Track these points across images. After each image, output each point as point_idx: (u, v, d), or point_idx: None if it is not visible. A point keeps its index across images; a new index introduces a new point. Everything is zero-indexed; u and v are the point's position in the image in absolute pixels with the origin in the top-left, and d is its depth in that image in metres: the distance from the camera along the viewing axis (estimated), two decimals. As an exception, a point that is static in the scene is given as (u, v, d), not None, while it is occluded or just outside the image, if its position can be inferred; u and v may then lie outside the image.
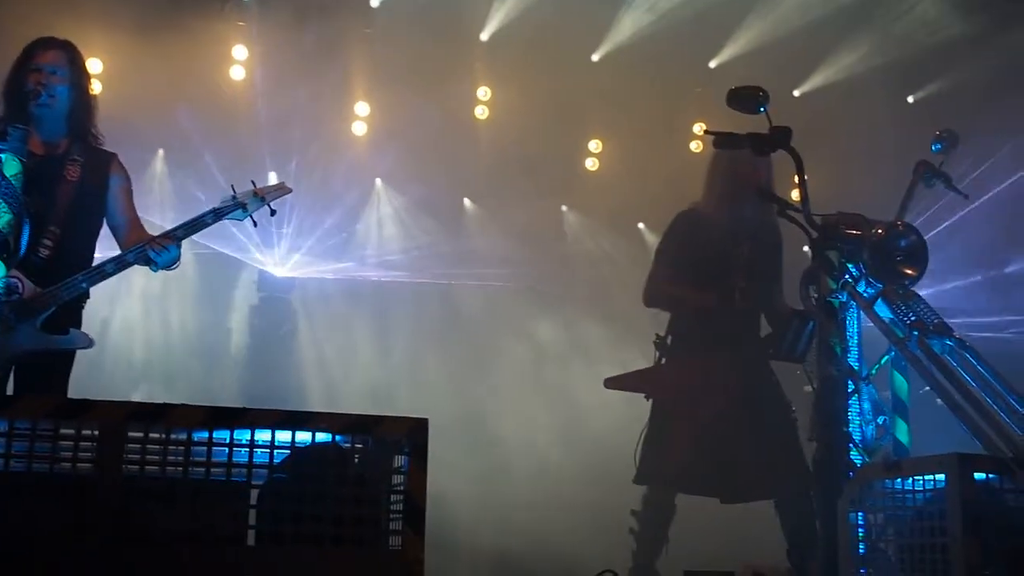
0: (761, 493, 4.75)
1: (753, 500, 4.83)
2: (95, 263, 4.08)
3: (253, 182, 4.16)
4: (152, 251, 3.97)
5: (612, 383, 5.03)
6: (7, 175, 3.06)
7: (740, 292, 4.81)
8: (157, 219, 7.21)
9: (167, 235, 4.03)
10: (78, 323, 4.10)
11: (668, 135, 8.55)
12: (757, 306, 4.90)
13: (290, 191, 4.30)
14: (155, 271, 4.09)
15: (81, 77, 4.19)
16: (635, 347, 5.76)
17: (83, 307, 4.15)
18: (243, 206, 4.08)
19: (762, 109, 3.93)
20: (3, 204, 3.06)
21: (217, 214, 4.09)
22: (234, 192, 4.11)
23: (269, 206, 4.16)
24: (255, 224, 4.19)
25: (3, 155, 3.06)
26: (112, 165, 4.25)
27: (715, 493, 4.85)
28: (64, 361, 4.06)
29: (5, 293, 3.66)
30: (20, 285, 3.83)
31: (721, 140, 4.08)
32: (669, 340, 4.95)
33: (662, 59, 8.21)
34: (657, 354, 4.96)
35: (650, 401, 4.95)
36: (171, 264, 4.07)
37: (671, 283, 4.93)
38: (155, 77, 7.35)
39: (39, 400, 2.82)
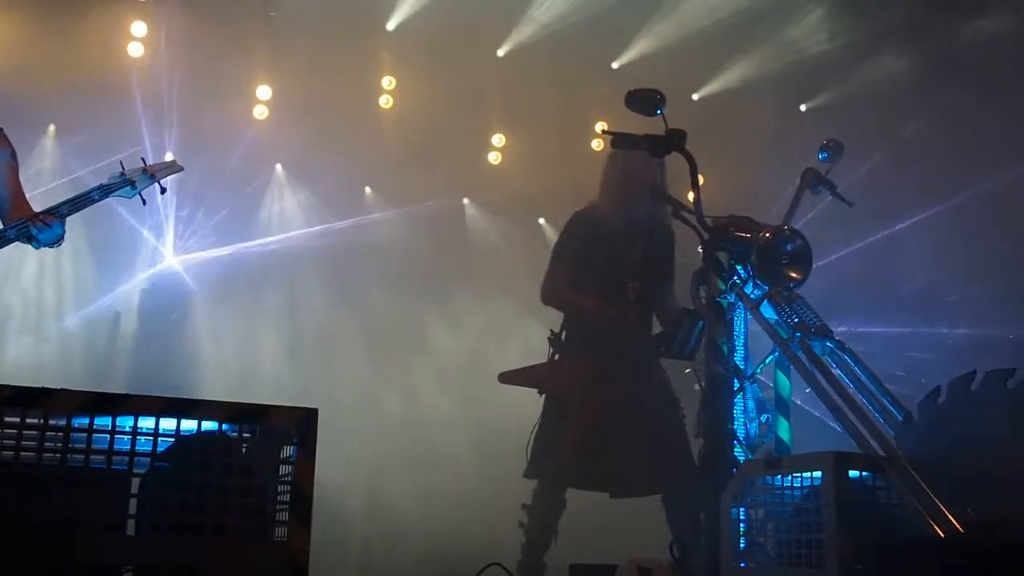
0: (649, 488, 4.85)
1: (642, 495, 4.93)
2: None
3: (143, 159, 4.08)
4: (35, 228, 3.85)
5: (506, 378, 5.07)
6: None
7: (633, 291, 4.90)
8: (45, 197, 6.96)
9: (50, 212, 3.91)
10: None
11: (570, 133, 8.62)
12: (649, 305, 5.00)
13: (181, 169, 4.21)
14: (36, 248, 3.97)
15: None
16: (530, 342, 5.81)
17: None
18: (132, 183, 4.01)
19: (659, 111, 4.02)
20: None
21: (104, 190, 3.99)
22: (123, 169, 4.01)
23: (159, 184, 4.08)
24: (144, 202, 4.11)
25: None
26: None
27: (604, 488, 4.93)
28: None
29: None
30: None
31: (618, 140, 4.16)
32: (563, 336, 5.02)
33: (567, 57, 8.28)
34: (551, 350, 5.02)
35: (543, 396, 5.01)
36: (54, 242, 3.95)
37: (567, 286, 4.98)
38: (49, 51, 7.10)
39: (-92, 382, 2.72)
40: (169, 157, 7.63)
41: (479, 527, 6.01)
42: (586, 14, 8.15)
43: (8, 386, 2.57)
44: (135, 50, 7.67)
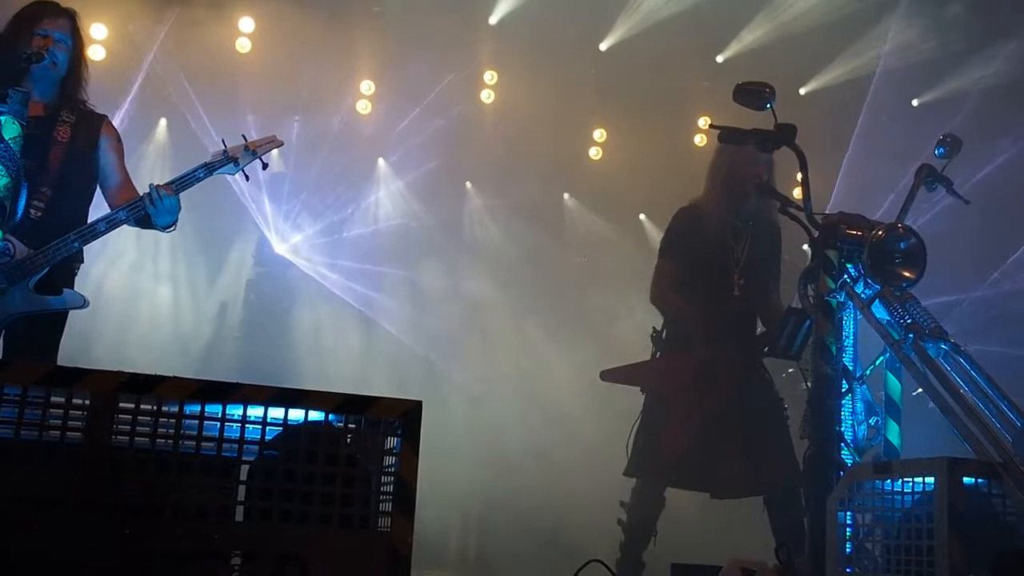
0: (751, 489, 4.77)
1: (743, 496, 4.86)
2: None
3: (244, 136, 4.11)
4: (148, 204, 3.93)
5: (608, 375, 5.03)
6: (6, 138, 3.03)
7: (738, 288, 4.81)
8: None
9: (165, 186, 3.96)
10: (71, 285, 4.09)
11: (672, 128, 8.54)
12: (753, 303, 4.90)
13: (281, 144, 4.23)
14: (151, 227, 4.04)
15: (80, 45, 4.21)
16: (632, 339, 5.76)
17: (77, 269, 4.13)
18: (235, 160, 4.05)
19: (768, 105, 3.93)
20: (1, 168, 3.04)
21: (208, 168, 4.05)
22: (225, 147, 4.06)
23: (261, 159, 4.11)
24: (247, 178, 4.15)
25: (3, 118, 3.04)
26: (103, 126, 4.24)
27: (705, 488, 4.86)
28: (55, 326, 4.05)
29: None
30: (11, 247, 3.80)
31: (725, 134, 4.08)
32: (665, 334, 4.96)
33: (670, 51, 8.18)
34: (653, 347, 4.97)
35: (644, 394, 4.96)
36: (168, 223, 4.04)
37: (671, 288, 4.91)
38: (161, 47, 7.33)
39: (31, 366, 2.81)
40: (275, 155, 7.80)
41: (576, 523, 6.00)
42: (690, 7, 8.03)
43: (123, 372, 2.63)
44: (243, 45, 7.86)
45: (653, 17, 8.22)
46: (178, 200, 3.98)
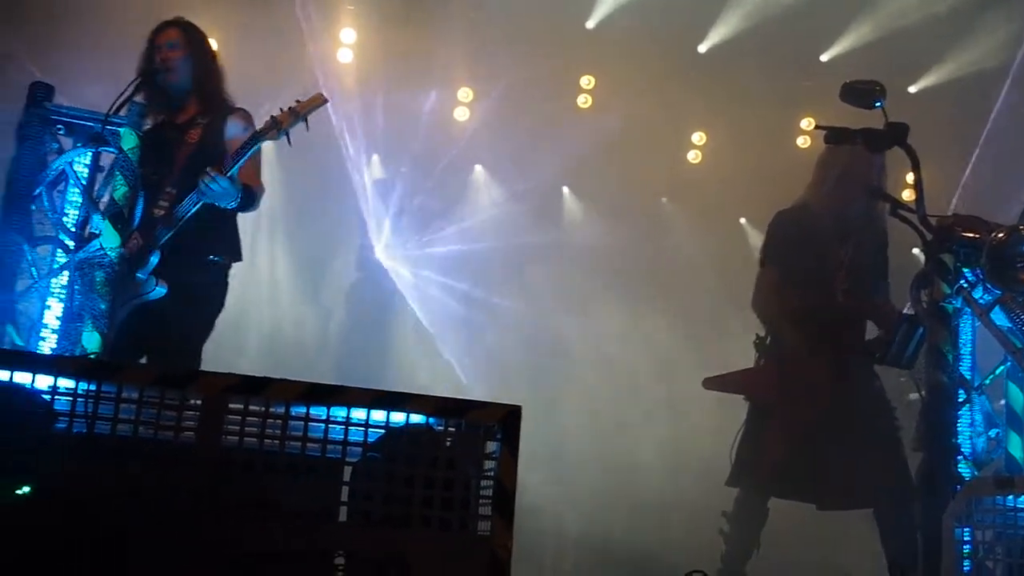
0: (860, 502, 4.60)
1: (851, 508, 4.69)
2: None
3: (298, 100, 4.12)
4: (202, 183, 4.02)
5: (710, 383, 4.92)
6: (124, 148, 3.14)
7: (843, 293, 4.67)
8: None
9: (216, 167, 4.06)
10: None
11: (774, 129, 8.37)
12: (861, 309, 4.75)
13: (326, 101, 4.21)
14: (213, 201, 4.11)
15: (199, 49, 4.38)
16: (734, 346, 5.65)
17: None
18: (279, 124, 4.08)
19: (878, 104, 3.80)
20: (120, 177, 3.16)
21: (256, 137, 4.10)
22: (273, 116, 4.10)
23: (305, 122, 4.12)
24: (289, 142, 4.13)
25: (122, 129, 3.15)
26: (232, 116, 4.38)
27: (811, 499, 4.71)
28: (191, 320, 4.18)
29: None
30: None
31: (833, 134, 3.96)
32: (769, 340, 4.84)
33: (771, 51, 8.03)
34: (757, 355, 4.86)
35: (747, 402, 4.86)
36: (229, 204, 4.13)
37: (774, 295, 4.80)
38: (265, 59, 7.48)
39: (146, 368, 2.89)
40: (376, 162, 7.94)
41: (675, 533, 5.91)
42: (791, 7, 7.87)
43: (233, 374, 2.69)
44: (344, 56, 7.99)
45: (753, 18, 8.07)
46: (230, 181, 4.05)
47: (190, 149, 4.23)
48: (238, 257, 4.49)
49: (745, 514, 4.69)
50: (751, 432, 4.75)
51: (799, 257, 4.73)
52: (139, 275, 3.91)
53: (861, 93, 3.84)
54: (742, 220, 8.57)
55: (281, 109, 4.11)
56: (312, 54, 7.76)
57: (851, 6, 7.94)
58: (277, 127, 4.08)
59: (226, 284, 4.44)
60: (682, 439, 7.00)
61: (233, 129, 4.34)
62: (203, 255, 4.30)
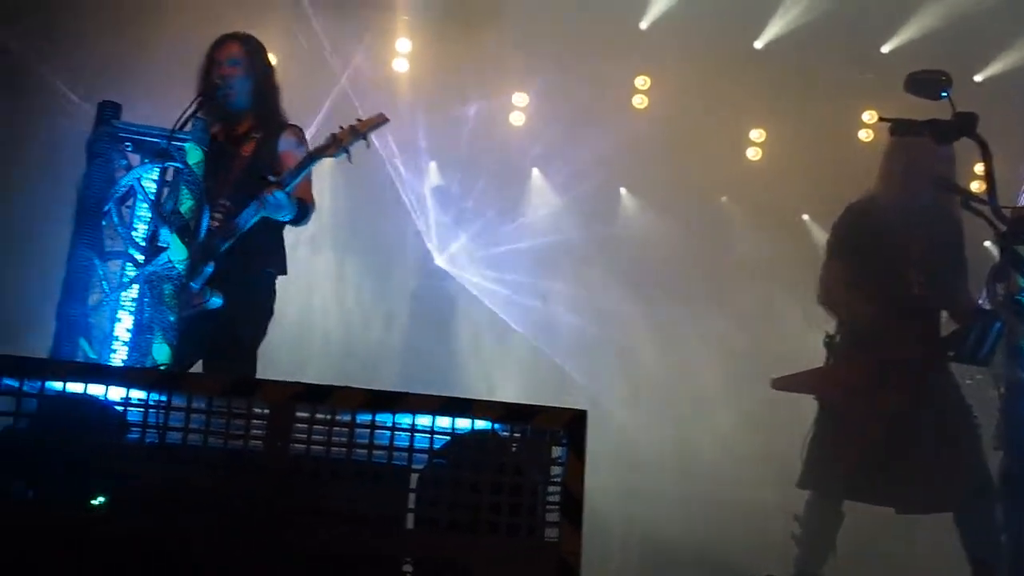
0: (939, 504, 4.47)
1: (930, 511, 4.58)
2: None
3: (359, 119, 4.17)
4: (265, 195, 4.08)
5: (779, 383, 4.84)
6: (190, 163, 3.20)
7: (918, 287, 4.57)
8: (325, 203, 7.47)
9: (275, 183, 4.12)
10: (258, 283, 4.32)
11: (835, 123, 8.24)
12: (935, 303, 4.64)
13: (387, 120, 4.25)
14: (272, 214, 4.18)
15: (257, 65, 4.42)
16: (802, 345, 5.56)
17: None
18: (340, 142, 4.14)
19: (944, 94, 3.72)
20: (186, 191, 3.21)
21: (316, 154, 4.16)
22: (333, 134, 4.15)
23: (365, 140, 4.17)
24: (350, 159, 4.17)
25: (187, 144, 3.21)
26: (285, 131, 4.43)
27: (888, 502, 4.59)
28: (247, 325, 4.26)
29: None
30: None
31: (898, 127, 3.89)
32: (839, 339, 4.74)
33: (830, 44, 7.91)
34: (827, 353, 4.77)
35: (817, 402, 4.77)
36: (286, 218, 4.20)
37: (842, 285, 4.71)
38: (322, 70, 7.58)
39: (215, 378, 2.93)
40: (434, 169, 7.99)
41: (744, 536, 5.84)
42: (850, -2, 7.75)
43: (298, 383, 2.72)
44: (400, 65, 8.05)
45: (811, 11, 7.95)
46: (286, 195, 4.09)
47: (244, 163, 4.30)
48: (284, 270, 4.56)
49: (819, 517, 4.59)
50: (822, 433, 4.65)
51: (868, 251, 4.63)
52: (193, 285, 3.97)
53: (926, 83, 3.77)
54: (804, 216, 8.45)
55: (341, 127, 4.16)
56: (367, 65, 7.84)
57: (912, -4, 7.80)
58: (337, 144, 4.14)
59: (274, 294, 4.50)
60: (749, 440, 6.91)
61: (286, 144, 4.41)
62: (256, 266, 4.38)
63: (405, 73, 8.05)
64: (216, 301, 4.07)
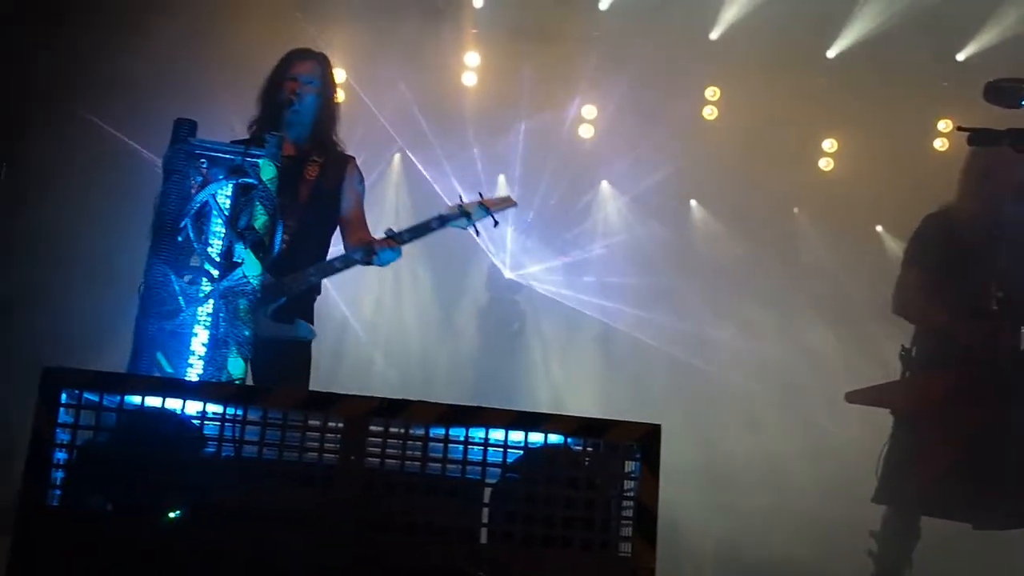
0: (1019, 521, 4.38)
1: (1009, 527, 4.47)
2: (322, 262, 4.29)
3: (480, 193, 4.27)
4: (379, 250, 4.15)
5: (854, 396, 4.78)
6: (264, 179, 3.24)
7: (996, 300, 4.46)
8: (392, 217, 7.57)
9: (393, 238, 4.19)
10: (309, 315, 4.31)
11: (909, 133, 8.10)
12: (1016, 315, 4.52)
13: (515, 204, 4.39)
14: (375, 264, 4.25)
15: (329, 87, 4.45)
16: (876, 358, 5.46)
17: (315, 300, 4.37)
18: (468, 215, 4.21)
19: (1024, 103, 3.63)
20: (260, 207, 3.24)
21: (442, 220, 4.24)
22: (461, 200, 4.24)
23: (493, 217, 4.24)
24: (477, 232, 4.30)
25: (261, 160, 3.25)
26: (348, 166, 4.47)
27: (966, 518, 4.52)
28: (301, 351, 4.27)
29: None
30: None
31: (977, 136, 3.81)
32: (915, 352, 4.66)
33: (904, 53, 7.76)
34: (902, 367, 4.68)
35: (893, 416, 4.68)
36: (389, 263, 4.25)
37: (920, 295, 4.62)
38: (393, 85, 7.67)
39: (291, 392, 2.96)
40: (503, 182, 8.03)
41: (819, 551, 5.73)
42: (926, 5, 7.59)
43: (373, 397, 2.73)
44: (469, 79, 8.10)
45: (884, 20, 7.83)
46: (399, 254, 4.19)
47: (308, 186, 4.32)
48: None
49: (895, 533, 4.52)
50: (898, 447, 4.58)
51: (946, 262, 4.55)
52: (268, 314, 4.05)
53: (1006, 92, 3.68)
54: (878, 227, 8.32)
55: (461, 198, 4.26)
56: (436, 79, 7.91)
57: (987, 2, 7.62)
58: (465, 216, 4.20)
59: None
60: (824, 454, 6.80)
61: (351, 180, 4.45)
62: (314, 296, 4.41)
63: (473, 86, 8.10)
64: (307, 333, 4.14)
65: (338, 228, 4.46)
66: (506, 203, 4.31)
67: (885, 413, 4.72)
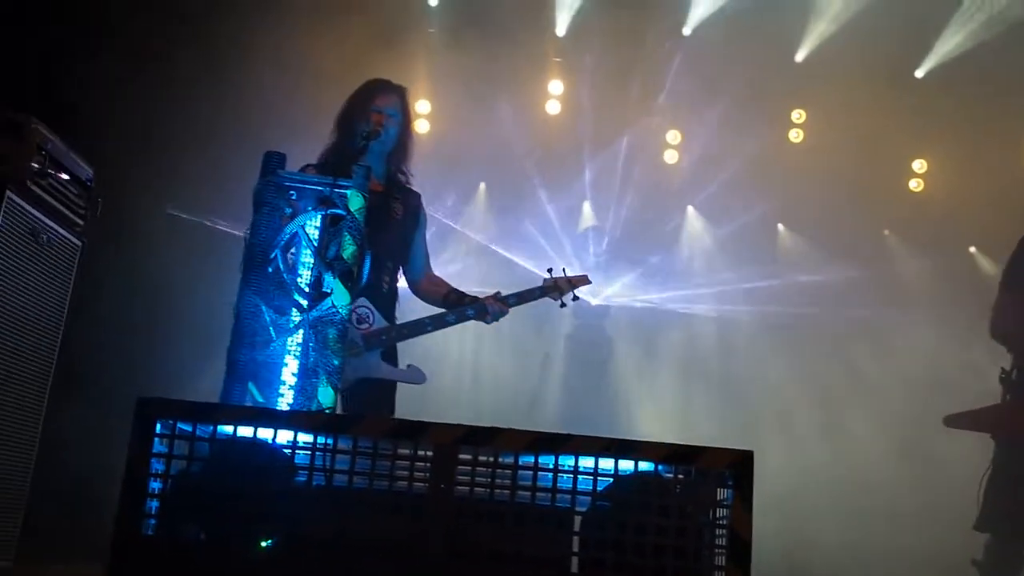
0: None
1: None
2: (437, 313, 4.41)
3: (564, 269, 4.62)
4: (491, 309, 4.33)
5: (952, 421, 4.65)
6: (352, 210, 3.28)
7: None
8: (477, 246, 7.62)
9: (503, 300, 4.37)
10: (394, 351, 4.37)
11: (1002, 152, 7.87)
12: None
13: (590, 283, 4.73)
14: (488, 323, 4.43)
15: (409, 121, 4.48)
16: (975, 382, 5.29)
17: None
18: (559, 291, 4.53)
19: None
20: (348, 237, 3.28)
21: (542, 292, 4.53)
22: (551, 274, 4.54)
23: (573, 294, 4.56)
24: (563, 305, 4.60)
25: (349, 192, 3.29)
26: (421, 204, 4.51)
27: None
28: (391, 385, 4.31)
29: (356, 322, 3.98)
30: (371, 315, 4.12)
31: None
32: (1015, 374, 4.50)
33: (995, 71, 7.57)
34: (1003, 390, 4.53)
35: (994, 441, 4.52)
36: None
37: (1018, 318, 4.47)
38: (477, 115, 7.74)
39: (380, 420, 2.98)
40: (587, 208, 8.04)
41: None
42: (1018, 22, 7.39)
43: (461, 425, 2.73)
44: (553, 108, 8.14)
45: (974, 38, 7.66)
46: (507, 313, 4.42)
47: (398, 225, 4.38)
48: None
49: (996, 561, 4.39)
50: (1001, 473, 4.43)
51: None
52: (371, 357, 4.15)
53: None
54: (971, 249, 8.08)
55: (550, 270, 4.57)
56: (520, 107, 7.96)
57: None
58: (559, 292, 4.53)
59: None
60: (922, 481, 6.60)
61: (423, 219, 4.56)
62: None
63: (557, 115, 8.13)
64: (419, 377, 4.27)
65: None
66: (583, 281, 4.66)
67: (986, 437, 4.57)
